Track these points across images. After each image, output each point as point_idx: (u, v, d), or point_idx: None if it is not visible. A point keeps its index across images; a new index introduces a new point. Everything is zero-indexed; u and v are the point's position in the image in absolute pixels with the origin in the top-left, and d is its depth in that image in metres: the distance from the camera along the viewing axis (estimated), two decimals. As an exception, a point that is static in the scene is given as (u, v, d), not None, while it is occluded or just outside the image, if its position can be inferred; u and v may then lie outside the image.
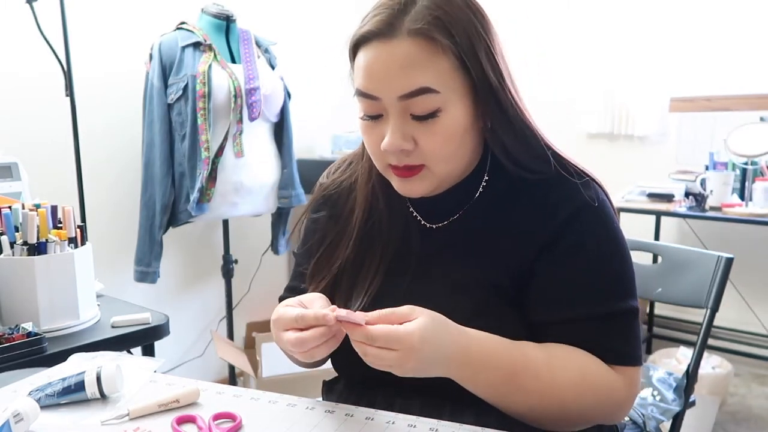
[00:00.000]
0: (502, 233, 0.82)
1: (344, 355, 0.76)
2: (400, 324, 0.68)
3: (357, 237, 0.88)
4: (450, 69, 0.73)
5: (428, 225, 0.87)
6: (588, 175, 0.83)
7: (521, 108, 0.79)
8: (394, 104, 0.74)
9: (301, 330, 0.71)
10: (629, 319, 0.79)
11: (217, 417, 0.73)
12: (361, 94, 0.76)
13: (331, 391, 0.95)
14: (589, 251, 0.79)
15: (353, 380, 0.91)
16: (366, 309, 0.79)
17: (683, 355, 2.36)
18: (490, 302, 0.79)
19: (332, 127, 2.94)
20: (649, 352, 2.84)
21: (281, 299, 0.98)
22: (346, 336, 0.72)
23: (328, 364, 0.92)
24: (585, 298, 0.78)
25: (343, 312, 0.69)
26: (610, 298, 0.78)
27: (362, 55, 0.75)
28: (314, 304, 0.76)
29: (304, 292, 0.92)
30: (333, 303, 0.81)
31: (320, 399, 0.81)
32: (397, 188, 0.81)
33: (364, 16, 0.77)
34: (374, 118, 0.77)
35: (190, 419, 0.73)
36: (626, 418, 1.08)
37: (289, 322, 0.72)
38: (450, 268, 0.83)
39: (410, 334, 0.67)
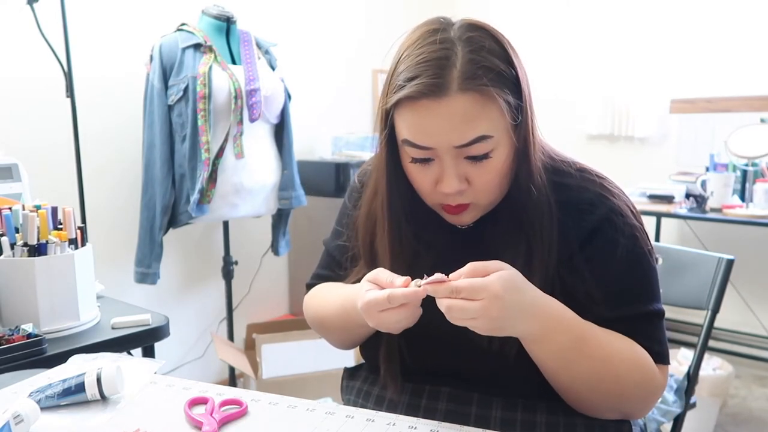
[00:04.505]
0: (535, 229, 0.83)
1: (374, 345, 0.82)
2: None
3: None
4: (499, 113, 0.76)
5: (459, 226, 0.89)
6: (606, 177, 0.87)
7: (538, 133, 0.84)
8: (449, 151, 0.77)
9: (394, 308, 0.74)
10: (658, 321, 0.83)
11: (224, 403, 0.76)
12: (413, 146, 0.78)
13: (354, 377, 0.98)
14: (622, 251, 0.82)
15: (377, 367, 0.92)
16: None
17: (684, 357, 2.36)
18: None
19: (332, 129, 2.95)
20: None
21: (309, 286, 1.04)
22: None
23: (336, 364, 0.95)
24: (619, 297, 0.81)
25: (427, 280, 0.72)
26: (642, 299, 0.82)
27: (410, 113, 0.76)
28: (394, 281, 0.76)
29: (334, 279, 0.99)
30: None
31: (320, 401, 0.81)
32: (447, 219, 0.86)
33: (397, 71, 0.77)
34: (425, 161, 0.79)
35: (203, 401, 0.76)
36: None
37: (383, 303, 0.74)
38: None
39: (493, 282, 0.69)
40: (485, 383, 0.83)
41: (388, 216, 0.86)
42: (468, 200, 0.81)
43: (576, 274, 0.81)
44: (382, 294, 0.73)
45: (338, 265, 1.00)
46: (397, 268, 0.84)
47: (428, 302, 0.73)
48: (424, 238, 0.87)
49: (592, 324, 0.78)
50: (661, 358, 0.81)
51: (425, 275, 0.73)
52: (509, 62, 0.77)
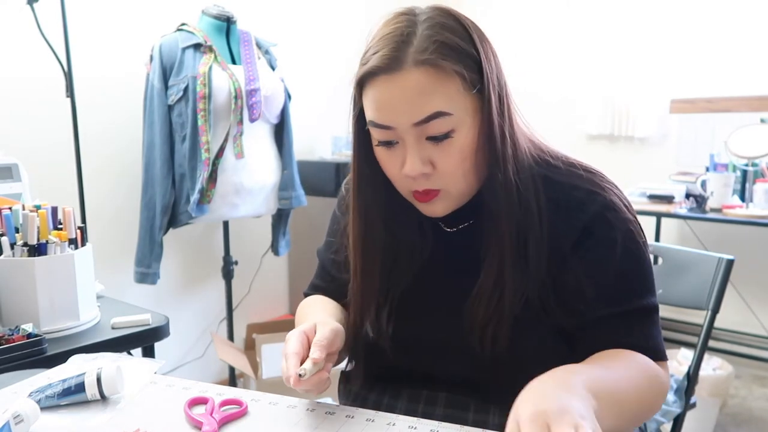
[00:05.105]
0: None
1: (361, 347, 0.81)
2: None
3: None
4: (458, 91, 0.75)
5: (447, 229, 0.88)
6: (596, 172, 0.85)
7: (517, 120, 0.83)
8: (409, 131, 0.76)
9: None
10: (655, 316, 0.82)
11: (224, 403, 0.76)
12: (376, 125, 0.78)
13: (350, 382, 0.96)
14: (618, 247, 0.80)
15: (371, 372, 0.92)
16: (395, 308, 0.86)
17: (684, 357, 2.36)
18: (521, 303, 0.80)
19: (332, 129, 2.95)
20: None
21: (305, 296, 1.04)
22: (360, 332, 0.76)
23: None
24: (615, 294, 0.80)
25: None
26: (638, 294, 0.81)
27: (371, 90, 0.77)
28: (318, 339, 0.74)
29: (328, 290, 1.00)
30: (363, 296, 0.87)
31: (320, 401, 0.81)
32: (421, 210, 0.84)
33: (366, 52, 0.78)
34: (390, 144, 0.79)
35: (203, 401, 0.76)
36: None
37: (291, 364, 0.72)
38: (472, 272, 0.83)
39: (520, 401, 0.61)
40: (482, 390, 0.82)
41: (355, 199, 0.85)
42: (436, 186, 0.79)
43: (569, 274, 0.80)
44: (287, 376, 0.71)
45: (331, 276, 1.00)
46: (366, 257, 0.85)
47: (419, 311, 0.71)
48: (403, 240, 0.87)
49: (617, 380, 0.71)
50: (660, 355, 0.80)
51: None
52: (471, 42, 0.76)
